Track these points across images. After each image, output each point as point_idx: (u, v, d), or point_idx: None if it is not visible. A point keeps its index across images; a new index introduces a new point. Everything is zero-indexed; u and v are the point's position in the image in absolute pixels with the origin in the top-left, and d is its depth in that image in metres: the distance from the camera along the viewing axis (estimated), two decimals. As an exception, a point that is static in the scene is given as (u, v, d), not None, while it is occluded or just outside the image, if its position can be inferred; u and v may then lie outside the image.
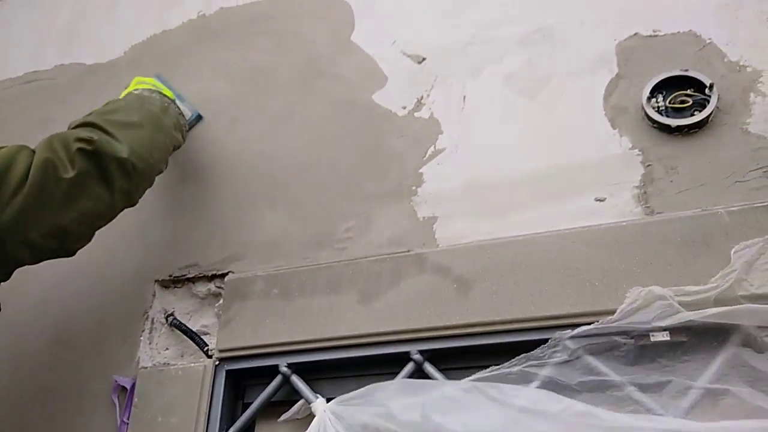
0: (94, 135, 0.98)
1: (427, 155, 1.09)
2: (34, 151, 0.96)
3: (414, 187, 1.07)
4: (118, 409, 1.05)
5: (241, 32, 1.41)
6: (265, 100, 1.30)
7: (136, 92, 1.17)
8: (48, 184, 0.92)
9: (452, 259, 0.97)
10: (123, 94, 1.19)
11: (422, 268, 0.98)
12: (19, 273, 1.28)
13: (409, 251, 1.01)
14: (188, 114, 1.27)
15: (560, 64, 1.09)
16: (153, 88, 1.21)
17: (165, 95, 1.20)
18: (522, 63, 1.11)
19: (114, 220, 1.18)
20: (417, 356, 0.94)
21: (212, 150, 1.28)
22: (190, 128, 1.27)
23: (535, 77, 1.09)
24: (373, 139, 1.15)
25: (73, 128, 1.03)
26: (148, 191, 1.12)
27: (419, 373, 0.94)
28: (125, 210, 1.08)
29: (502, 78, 1.11)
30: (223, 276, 1.14)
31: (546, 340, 0.85)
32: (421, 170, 1.08)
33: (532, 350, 0.85)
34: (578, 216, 0.94)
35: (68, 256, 1.03)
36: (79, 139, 0.97)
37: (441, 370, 0.92)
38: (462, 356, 0.94)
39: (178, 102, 1.23)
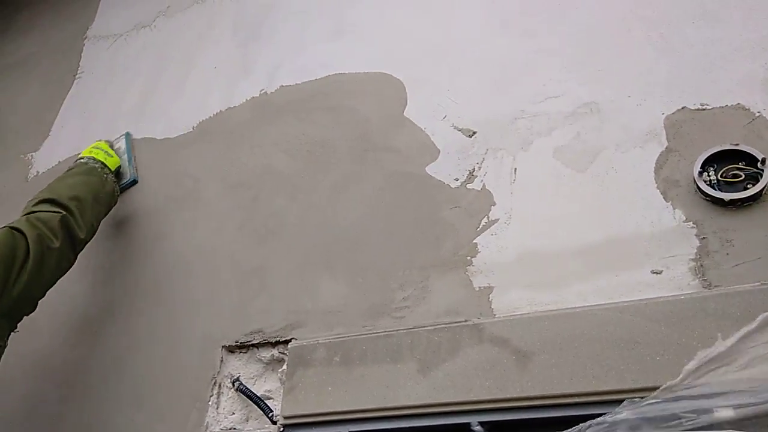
0: (62, 211, 1.32)
1: (480, 226, 1.13)
2: (17, 229, 1.23)
3: (469, 257, 1.11)
4: (188, 474, 1.10)
5: (300, 108, 1.52)
6: (323, 172, 1.38)
7: (82, 161, 1.53)
8: (44, 255, 1.23)
9: (510, 330, 0.99)
10: (83, 153, 1.56)
11: (480, 339, 1.01)
12: (93, 338, 1.37)
13: (466, 321, 1.04)
14: (127, 176, 1.60)
15: (609, 137, 1.12)
16: (101, 153, 1.56)
17: (106, 166, 1.53)
18: (571, 136, 1.16)
19: (183, 290, 1.28)
20: (478, 428, 0.95)
21: (275, 221, 1.36)
22: (124, 190, 1.60)
23: (584, 149, 1.13)
24: (427, 209, 1.21)
25: (36, 204, 1.34)
26: (213, 262, 1.34)
27: (480, 445, 0.95)
28: (195, 278, 1.34)
29: (552, 150, 1.15)
30: (285, 342, 1.19)
31: (607, 415, 0.86)
32: (475, 240, 1.12)
33: (594, 425, 0.85)
34: (635, 288, 0.96)
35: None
36: (56, 217, 1.29)
37: (503, 443, 0.94)
38: (522, 429, 0.95)
39: (123, 164, 1.62)
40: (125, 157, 1.63)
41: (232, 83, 1.67)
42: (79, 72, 2.09)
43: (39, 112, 2.06)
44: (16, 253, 1.19)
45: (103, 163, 1.53)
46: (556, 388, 0.92)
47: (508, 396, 0.94)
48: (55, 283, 1.31)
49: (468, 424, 0.96)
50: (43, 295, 1.27)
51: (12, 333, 1.22)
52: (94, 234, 1.42)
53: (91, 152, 1.56)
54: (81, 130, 1.89)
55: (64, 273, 1.34)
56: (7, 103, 2.24)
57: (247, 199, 1.44)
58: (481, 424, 0.95)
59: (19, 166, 1.93)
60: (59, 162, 1.84)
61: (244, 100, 1.62)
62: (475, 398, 0.96)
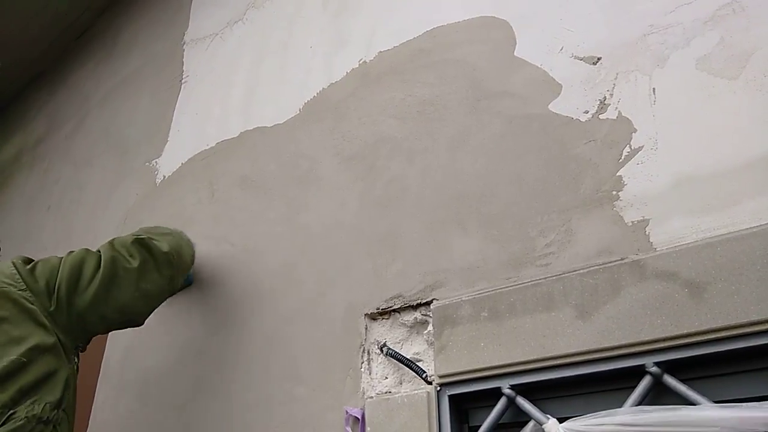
0: (144, 236, 1.35)
1: (622, 157, 1.05)
2: (97, 251, 1.27)
3: (615, 192, 1.03)
4: (354, 438, 1.12)
5: (403, 70, 1.48)
6: (437, 130, 1.34)
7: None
8: (118, 273, 1.25)
9: (677, 262, 0.91)
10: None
11: (643, 276, 0.93)
12: (242, 321, 1.44)
13: (623, 259, 0.97)
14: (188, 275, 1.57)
15: (760, 35, 0.99)
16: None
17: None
18: (714, 42, 1.03)
19: (317, 267, 1.31)
20: (654, 368, 0.88)
21: (395, 187, 1.35)
22: (182, 288, 1.58)
23: (732, 55, 1.01)
24: (557, 149, 1.13)
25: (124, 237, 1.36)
26: (342, 236, 1.35)
27: (658, 386, 0.89)
28: (327, 254, 1.32)
29: (694, 62, 1.04)
30: (427, 304, 1.18)
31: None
32: (618, 173, 1.04)
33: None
34: (825, 197, 0.84)
35: (134, 326, 1.36)
36: (135, 240, 1.32)
37: (683, 381, 0.86)
38: (704, 365, 0.87)
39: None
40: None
41: (330, 59, 1.67)
42: (184, 77, 2.19)
43: (155, 121, 2.20)
44: (83, 271, 1.21)
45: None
46: (740, 317, 0.83)
47: (685, 332, 0.86)
48: (156, 301, 1.35)
49: (642, 366, 0.90)
50: (117, 313, 1.25)
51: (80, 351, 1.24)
52: (187, 267, 1.47)
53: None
54: (197, 131, 1.98)
55: (157, 296, 1.34)
56: (124, 118, 2.41)
57: (363, 169, 1.43)
58: (657, 364, 0.89)
59: (146, 174, 2.07)
60: (181, 164, 1.95)
61: (345, 74, 1.61)
62: (646, 338, 0.89)
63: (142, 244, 1.32)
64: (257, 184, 1.67)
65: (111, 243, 1.31)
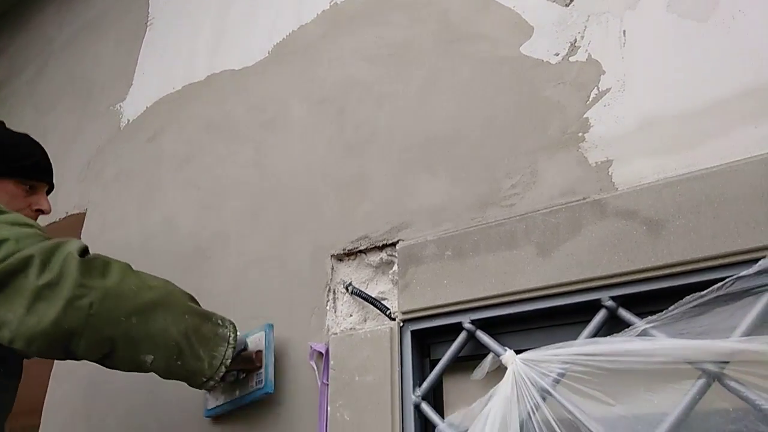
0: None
1: (590, 98, 1.05)
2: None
3: (581, 133, 1.03)
4: (317, 372, 1.13)
5: (374, 12, 1.45)
6: (408, 74, 1.32)
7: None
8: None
9: (637, 200, 0.92)
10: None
11: (604, 214, 0.94)
12: (208, 263, 1.42)
13: (585, 199, 0.98)
14: (261, 382, 1.15)
15: (732, -23, 0.98)
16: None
17: (233, 327, 1.11)
18: (686, -15, 1.03)
19: (286, 209, 1.30)
20: (609, 302, 0.91)
21: (365, 130, 1.33)
22: (251, 400, 1.16)
23: (702, -2, 1.01)
24: (527, 91, 1.13)
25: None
26: (311, 178, 1.32)
27: (613, 320, 0.91)
28: (295, 197, 1.31)
29: (665, 4, 1.03)
30: (393, 245, 1.18)
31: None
32: (585, 115, 1.04)
33: (745, 285, 0.79)
34: (781, 137, 0.85)
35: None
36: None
37: (639, 316, 0.89)
38: (658, 300, 0.90)
39: (265, 366, 1.15)
40: (268, 358, 1.16)
41: (301, 0, 1.62)
42: (149, 18, 2.11)
43: (119, 64, 2.12)
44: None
45: (234, 327, 1.12)
46: (695, 252, 0.85)
47: (641, 267, 0.88)
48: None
49: (598, 300, 0.92)
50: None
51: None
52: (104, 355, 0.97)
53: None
54: (162, 74, 1.92)
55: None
56: (88, 61, 2.32)
57: (333, 113, 1.41)
58: (613, 298, 0.91)
59: (111, 117, 2.00)
60: (146, 108, 1.89)
61: (315, 15, 1.57)
62: (603, 273, 0.91)
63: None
64: (225, 127, 1.63)
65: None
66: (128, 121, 1.93)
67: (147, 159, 1.78)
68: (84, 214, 1.86)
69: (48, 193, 1.39)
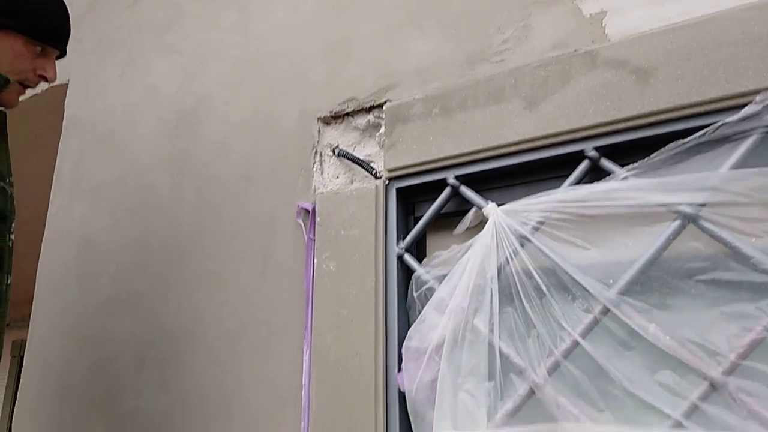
0: None
1: (589, -54, 0.99)
2: None
3: (577, -17, 0.99)
4: (304, 228, 1.16)
5: None
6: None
7: None
8: None
9: (628, 50, 0.90)
10: None
11: (594, 65, 0.93)
12: (195, 129, 1.40)
13: (576, 51, 0.96)
14: None
15: None
16: None
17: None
18: None
19: (270, 73, 1.26)
20: (592, 153, 0.91)
21: (353, -14, 1.27)
22: None
23: None
24: (524, -59, 1.07)
25: None
26: (296, 41, 1.28)
27: (595, 172, 0.92)
28: (280, 59, 1.28)
29: None
30: (380, 106, 1.16)
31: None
32: (583, -36, 0.99)
33: (728, 130, 0.79)
34: (783, -22, 0.82)
35: None
36: None
37: (621, 166, 0.90)
38: (642, 150, 0.90)
39: None
40: None
41: None
42: None
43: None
44: None
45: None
46: (683, 99, 0.84)
47: (627, 115, 0.88)
48: None
49: (582, 152, 0.92)
50: None
51: None
52: None
53: None
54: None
55: None
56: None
57: (320, -28, 1.34)
58: (597, 149, 0.91)
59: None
60: (124, -28, 1.79)
61: None
62: (588, 123, 0.91)
63: None
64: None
65: None
66: (106, -15, 1.83)
67: (127, 26, 1.70)
68: (66, 85, 1.80)
69: (58, 58, 1.29)
